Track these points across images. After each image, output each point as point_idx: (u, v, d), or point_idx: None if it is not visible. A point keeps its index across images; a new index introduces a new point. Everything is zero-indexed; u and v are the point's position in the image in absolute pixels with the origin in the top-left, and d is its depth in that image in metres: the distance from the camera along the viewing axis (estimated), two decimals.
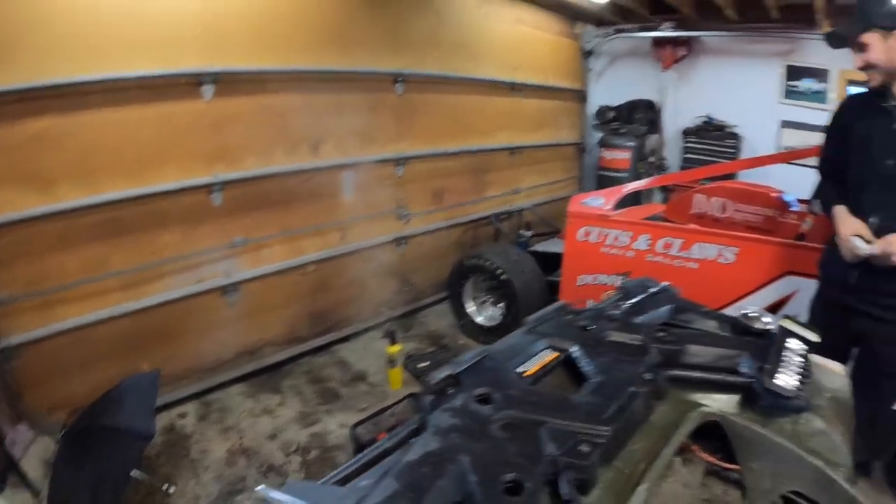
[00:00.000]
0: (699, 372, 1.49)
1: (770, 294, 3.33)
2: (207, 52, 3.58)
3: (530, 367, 1.48)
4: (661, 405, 1.38)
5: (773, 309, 3.24)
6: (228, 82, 3.68)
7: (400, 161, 4.95)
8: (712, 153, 6.89)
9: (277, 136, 4.04)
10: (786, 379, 1.42)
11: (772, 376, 1.41)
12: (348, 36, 4.40)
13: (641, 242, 3.63)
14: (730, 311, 1.84)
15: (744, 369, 1.47)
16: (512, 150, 6.38)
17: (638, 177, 6.47)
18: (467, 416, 1.23)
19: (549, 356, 1.53)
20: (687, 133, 7.20)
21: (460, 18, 5.54)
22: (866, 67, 2.31)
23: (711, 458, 1.35)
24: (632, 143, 6.91)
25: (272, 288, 4.20)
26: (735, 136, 6.87)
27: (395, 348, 3.97)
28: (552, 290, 4.32)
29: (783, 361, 1.50)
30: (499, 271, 4.58)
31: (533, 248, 5.28)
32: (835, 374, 1.64)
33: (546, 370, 1.49)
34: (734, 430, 1.36)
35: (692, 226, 3.78)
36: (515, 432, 1.18)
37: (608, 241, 3.73)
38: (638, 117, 7.25)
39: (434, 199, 5.47)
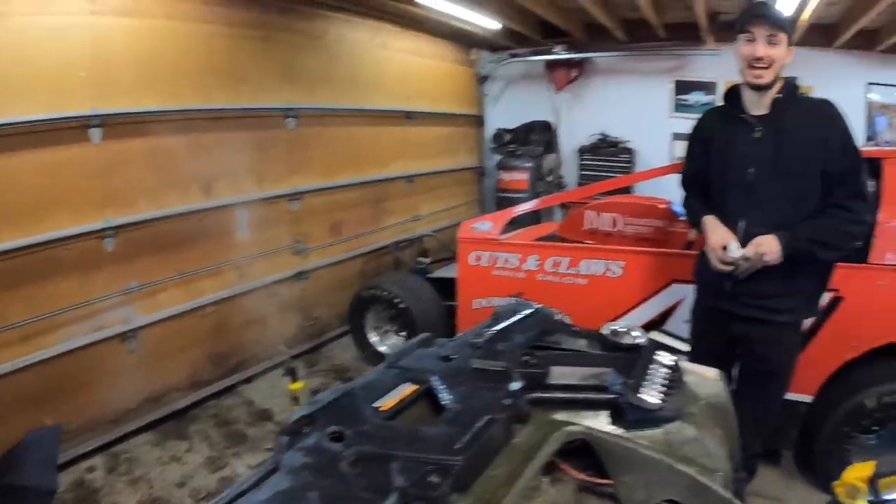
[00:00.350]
0: (564, 392, 1.61)
1: (659, 303, 3.63)
2: (94, 94, 3.75)
3: (387, 402, 1.55)
4: (525, 428, 1.48)
5: (665, 316, 3.60)
6: (116, 124, 3.87)
7: (294, 196, 5.27)
8: (608, 169, 7.68)
9: (168, 177, 4.24)
10: (650, 392, 1.56)
11: (636, 391, 1.54)
12: (238, 73, 4.69)
13: (531, 263, 3.88)
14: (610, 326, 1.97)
15: (610, 386, 1.58)
16: (409, 178, 6.90)
17: (537, 196, 7.06)
18: (319, 454, 1.30)
19: (407, 390, 1.62)
20: (582, 151, 8.01)
21: (353, 50, 5.99)
22: (763, 62, 2.51)
23: (581, 476, 1.47)
24: (529, 164, 7.61)
25: (172, 332, 4.36)
26: (629, 150, 7.73)
27: (298, 385, 4.23)
28: (451, 316, 4.63)
29: (649, 375, 1.65)
30: (396, 300, 4.93)
31: (431, 275, 5.64)
32: (709, 380, 1.82)
33: (404, 404, 1.57)
34: (603, 446, 1.47)
35: (588, 243, 4.15)
36: (366, 467, 1.26)
37: (499, 263, 3.95)
38: (534, 138, 7.96)
39: (332, 231, 5.82)
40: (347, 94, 5.89)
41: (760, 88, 2.57)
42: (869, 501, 1.44)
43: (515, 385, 1.54)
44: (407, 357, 1.81)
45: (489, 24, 6.48)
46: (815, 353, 3.35)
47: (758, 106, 2.65)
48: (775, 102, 2.63)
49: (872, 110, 7.49)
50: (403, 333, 5.13)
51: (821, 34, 7.07)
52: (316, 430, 1.39)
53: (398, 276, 5.57)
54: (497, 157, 8.18)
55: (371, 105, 6.23)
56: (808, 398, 3.43)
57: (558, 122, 8.28)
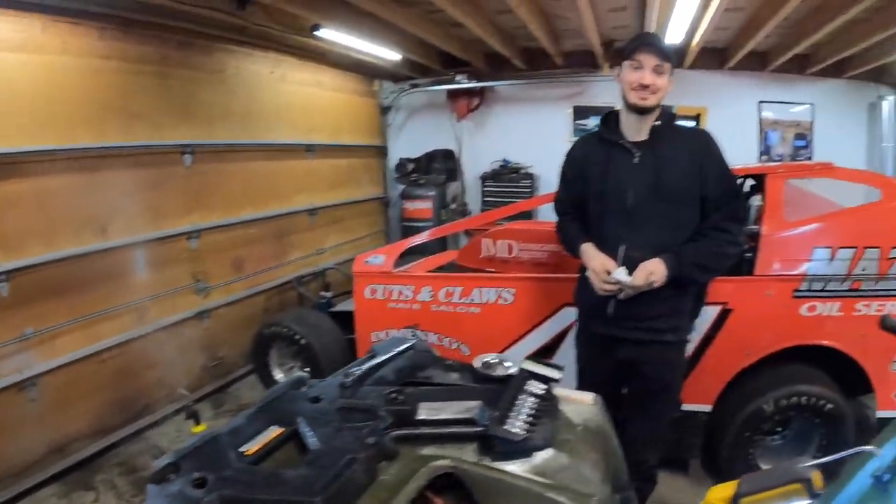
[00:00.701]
0: (431, 427, 1.68)
1: (551, 327, 3.79)
2: None
3: (253, 446, 1.62)
4: (392, 465, 1.54)
5: (559, 339, 3.79)
6: (5, 164, 3.87)
7: (193, 234, 5.34)
8: (510, 194, 8.11)
9: (62, 218, 4.25)
10: (515, 423, 1.64)
11: (501, 422, 1.63)
12: (133, 109, 4.76)
13: (425, 294, 4.02)
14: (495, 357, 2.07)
15: (478, 419, 1.66)
16: (311, 212, 7.12)
17: (441, 224, 7.43)
18: (182, 500, 1.37)
19: (273, 433, 1.69)
20: (485, 178, 8.47)
21: (253, 84, 6.17)
22: (649, 89, 2.67)
23: None
24: (432, 193, 8.01)
25: (74, 378, 4.34)
26: (530, 176, 8.22)
27: (201, 428, 4.25)
28: (353, 349, 4.70)
29: (516, 405, 1.72)
30: (297, 336, 5.01)
31: (333, 309, 5.77)
32: (585, 405, 1.91)
33: (271, 447, 1.65)
34: (471, 479, 1.55)
35: (489, 270, 4.29)
36: None
37: (393, 296, 4.09)
38: (437, 167, 8.38)
39: (234, 268, 5.92)
40: (246, 129, 6.04)
41: (643, 112, 2.73)
42: None
43: (381, 424, 1.63)
44: (277, 399, 1.88)
45: (390, 55, 6.79)
46: (711, 365, 3.64)
47: (637, 132, 2.81)
48: (654, 129, 2.80)
49: (765, 127, 8.31)
50: (307, 369, 5.20)
51: (714, 57, 7.84)
52: (181, 477, 1.45)
53: (299, 312, 5.70)
54: (401, 187, 8.55)
55: (271, 139, 6.40)
56: (707, 407, 3.71)
57: (461, 150, 8.72)
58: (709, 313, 3.57)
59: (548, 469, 1.59)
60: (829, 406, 3.52)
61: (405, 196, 8.33)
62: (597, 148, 2.93)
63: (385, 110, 8.98)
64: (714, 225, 2.78)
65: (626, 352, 2.88)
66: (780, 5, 5.11)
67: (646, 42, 2.72)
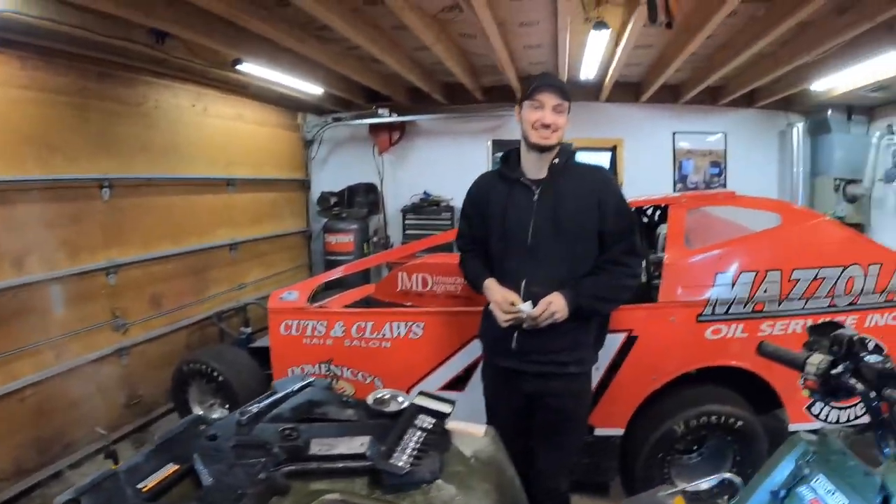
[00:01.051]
0: (322, 462, 1.76)
1: (461, 360, 3.95)
2: None
3: (150, 483, 1.68)
4: (284, 500, 1.62)
5: (470, 371, 3.93)
6: None
7: (111, 269, 5.38)
8: (431, 227, 8.48)
9: None
10: (402, 456, 1.73)
11: (388, 456, 1.72)
12: (51, 141, 4.80)
13: (337, 330, 4.12)
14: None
15: (367, 453, 1.75)
16: (232, 246, 7.26)
17: (363, 256, 7.73)
18: None
19: (170, 470, 1.76)
20: (406, 211, 8.86)
21: (174, 117, 6.31)
22: (550, 128, 2.82)
23: None
24: (354, 226, 8.36)
25: None
26: (451, 208, 8.64)
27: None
28: (270, 385, 4.85)
29: (404, 439, 1.82)
30: (215, 373, 5.06)
31: (252, 345, 5.87)
32: (476, 437, 2.01)
33: (167, 484, 1.71)
34: None
35: (408, 304, 4.46)
36: None
37: (308, 332, 4.17)
38: (359, 200, 8.73)
39: (153, 304, 5.96)
40: (167, 163, 6.17)
41: (544, 150, 2.88)
42: None
43: (273, 460, 1.73)
44: (175, 437, 1.94)
45: (312, 89, 7.12)
46: (620, 390, 3.86)
47: (537, 170, 2.95)
48: (553, 167, 2.94)
49: (680, 156, 9.04)
50: (227, 406, 5.27)
51: (629, 91, 8.53)
52: None
53: (218, 349, 5.82)
54: (324, 221, 8.84)
55: (191, 173, 6.53)
56: (620, 431, 3.92)
57: (382, 184, 9.12)
58: (614, 340, 3.78)
59: (436, 500, 1.69)
60: (740, 423, 3.76)
61: (327, 230, 8.61)
62: (498, 185, 3.07)
63: (308, 143, 9.28)
64: (612, 258, 2.94)
65: (530, 385, 2.97)
66: (686, 42, 5.64)
67: (546, 83, 2.87)
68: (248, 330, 6.43)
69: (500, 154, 8.64)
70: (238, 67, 5.79)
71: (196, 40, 5.03)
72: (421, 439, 1.85)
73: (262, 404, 2.04)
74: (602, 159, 8.75)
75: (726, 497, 2.02)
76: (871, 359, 1.79)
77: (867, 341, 1.85)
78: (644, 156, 8.86)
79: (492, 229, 3.03)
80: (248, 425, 1.91)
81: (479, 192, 3.16)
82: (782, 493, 1.83)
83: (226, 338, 6.72)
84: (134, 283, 5.73)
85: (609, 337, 3.51)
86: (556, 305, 2.78)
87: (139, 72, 5.78)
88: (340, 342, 4.13)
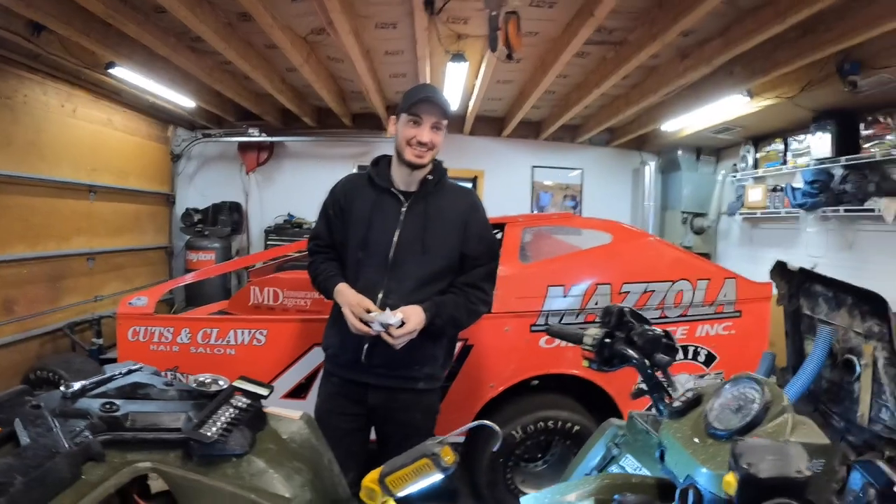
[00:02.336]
0: (138, 433, 1.80)
1: (303, 367, 4.04)
2: None
3: None
4: (98, 466, 1.66)
5: (312, 378, 4.01)
6: None
7: None
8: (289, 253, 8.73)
9: None
10: (211, 428, 1.77)
11: (198, 428, 1.76)
12: None
13: (184, 336, 4.10)
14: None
15: (181, 426, 1.79)
16: (90, 256, 7.21)
17: (224, 276, 7.98)
18: None
19: None
20: (269, 231, 9.13)
21: (41, 115, 6.26)
22: (426, 146, 2.79)
23: None
24: (217, 245, 8.58)
25: None
26: None
27: None
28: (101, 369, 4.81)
29: (216, 414, 1.86)
30: (61, 381, 5.16)
31: (104, 356, 5.95)
32: (293, 421, 2.08)
33: None
34: (171, 480, 1.69)
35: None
36: None
37: (154, 338, 4.12)
38: (223, 219, 8.98)
39: (4, 310, 5.84)
40: (28, 161, 6.08)
41: (417, 167, 2.83)
42: (390, 499, 1.72)
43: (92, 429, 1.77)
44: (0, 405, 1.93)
45: (184, 102, 7.35)
46: (458, 398, 4.00)
47: (407, 183, 2.90)
48: (424, 182, 2.91)
49: (538, 189, 9.83)
50: None
51: (491, 125, 9.28)
52: None
53: (67, 357, 5.88)
54: (186, 237, 9.02)
55: (53, 175, 6.43)
56: (459, 439, 3.87)
57: (248, 203, 9.44)
58: None
59: (244, 473, 1.78)
60: (577, 428, 4.00)
61: (190, 247, 8.78)
62: (365, 191, 3.00)
63: (176, 158, 9.39)
64: (470, 282, 2.93)
65: (376, 398, 2.94)
66: (540, 79, 6.30)
67: (427, 97, 2.80)
68: (100, 341, 6.46)
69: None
70: (111, 71, 5.92)
71: (72, 37, 5.12)
72: (233, 415, 1.89)
73: (87, 382, 2.05)
74: None
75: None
76: (641, 328, 1.97)
77: (635, 312, 2.04)
78: (504, 187, 9.55)
79: (352, 236, 2.96)
80: (72, 399, 1.94)
81: (345, 193, 3.07)
82: (595, 474, 1.98)
83: (77, 350, 6.65)
84: None
85: None
86: (412, 317, 2.72)
87: (11, 63, 5.76)
88: (187, 349, 4.12)
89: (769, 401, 1.48)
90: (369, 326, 2.69)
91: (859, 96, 5.69)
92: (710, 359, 4.32)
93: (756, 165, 8.45)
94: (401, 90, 7.53)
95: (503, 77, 6.81)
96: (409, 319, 2.70)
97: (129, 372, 2.21)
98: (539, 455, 4.46)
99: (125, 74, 6.14)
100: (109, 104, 7.49)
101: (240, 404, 1.96)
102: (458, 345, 3.75)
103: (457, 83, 6.44)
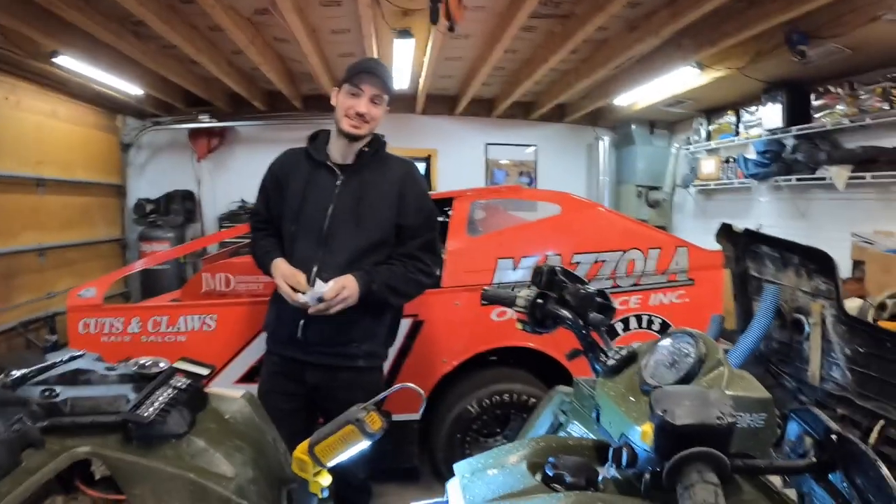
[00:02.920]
0: (76, 418, 1.79)
1: (254, 351, 3.93)
2: None
3: None
4: (37, 453, 1.67)
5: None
6: None
7: None
8: (248, 235, 8.68)
9: None
10: (148, 409, 1.75)
11: (136, 409, 1.74)
12: None
13: (134, 326, 4.02)
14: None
15: (119, 409, 1.78)
16: (41, 252, 7.10)
17: (180, 267, 7.94)
18: None
19: None
20: (223, 219, 9.07)
21: None
22: (364, 118, 2.77)
23: (93, 493, 1.71)
24: (170, 234, 8.50)
25: None
26: None
27: None
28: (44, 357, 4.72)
29: (154, 395, 1.84)
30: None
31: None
32: (234, 400, 2.09)
33: None
34: (111, 464, 1.69)
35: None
36: None
37: (105, 329, 4.04)
38: (175, 208, 8.91)
39: None
40: None
41: (353, 139, 2.83)
42: (322, 469, 1.72)
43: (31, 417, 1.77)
44: None
45: (131, 89, 7.26)
46: (410, 375, 3.89)
47: (344, 155, 2.91)
48: (361, 154, 2.90)
49: (492, 167, 9.90)
50: None
51: (443, 103, 9.29)
52: None
53: (20, 354, 5.93)
54: (140, 229, 8.93)
55: None
56: (415, 416, 3.93)
57: (200, 191, 9.34)
58: (401, 326, 3.81)
59: (184, 453, 1.77)
60: (533, 400, 3.91)
61: (143, 238, 8.69)
62: (301, 164, 3.00)
63: (126, 147, 9.26)
64: (408, 252, 2.91)
65: (315, 376, 2.92)
66: (488, 54, 6.31)
67: (369, 70, 2.81)
68: (54, 338, 6.42)
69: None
70: (55, 60, 5.86)
71: (13, 27, 5.06)
72: (172, 396, 1.87)
73: (28, 370, 2.02)
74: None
75: None
76: (574, 287, 1.92)
77: (567, 271, 1.99)
78: (457, 166, 9.60)
79: (287, 210, 2.97)
80: (12, 387, 1.91)
81: (282, 168, 3.08)
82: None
83: (32, 348, 6.61)
84: None
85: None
86: (347, 286, 2.70)
87: None
88: (138, 338, 4.03)
89: (703, 354, 1.42)
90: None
91: (809, 67, 5.77)
92: (665, 327, 4.30)
93: (709, 138, 8.56)
94: None
95: (452, 54, 6.80)
96: (343, 289, 2.69)
97: (72, 359, 2.17)
98: (497, 430, 4.42)
99: (69, 63, 6.07)
100: (55, 95, 7.37)
101: (179, 385, 1.94)
102: (409, 321, 3.88)
103: (405, 61, 6.46)
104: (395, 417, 3.61)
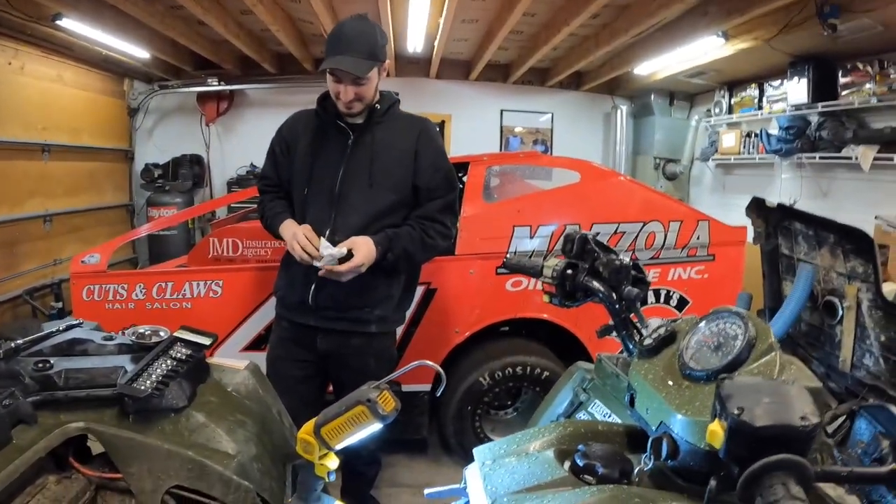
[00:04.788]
0: (70, 391, 1.75)
1: (262, 318, 3.93)
2: None
3: None
4: (30, 429, 1.62)
5: (270, 330, 3.62)
6: None
7: None
8: (255, 200, 8.64)
9: None
10: (146, 382, 1.70)
11: (132, 382, 1.69)
12: None
13: (138, 292, 4.00)
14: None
15: (115, 382, 1.73)
16: (47, 218, 7.12)
17: (188, 232, 7.91)
18: None
19: None
20: (232, 183, 8.98)
21: None
22: (355, 101, 2.69)
23: (88, 472, 1.67)
24: (178, 200, 8.46)
25: None
26: None
27: None
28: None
29: (152, 366, 1.79)
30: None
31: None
32: (237, 371, 2.03)
33: None
34: (106, 440, 1.65)
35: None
36: None
37: (109, 296, 4.02)
38: (183, 172, 8.83)
39: None
40: None
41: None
42: (329, 452, 1.67)
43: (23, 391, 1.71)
44: None
45: (138, 53, 7.16)
46: (422, 344, 3.96)
47: (354, 115, 2.81)
48: (372, 112, 2.82)
49: (507, 133, 9.78)
50: None
51: (458, 68, 9.20)
52: None
53: (24, 324, 5.87)
54: (148, 194, 8.90)
55: (2, 136, 6.33)
56: (426, 387, 4.01)
57: (209, 155, 9.28)
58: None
59: (183, 429, 1.73)
60: (546, 374, 3.98)
61: (151, 203, 8.67)
62: (311, 125, 2.93)
63: (133, 112, 9.18)
64: (427, 215, 2.84)
65: (327, 343, 2.89)
66: (507, 17, 6.13)
67: (338, 53, 2.64)
68: (59, 305, 6.42)
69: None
70: (59, 23, 5.77)
71: None
72: (171, 367, 1.83)
73: (21, 341, 1.96)
74: None
75: None
76: (607, 258, 1.82)
77: (599, 241, 1.88)
78: (471, 132, 9.48)
79: (297, 172, 2.91)
80: (4, 359, 1.85)
81: (290, 130, 3.01)
82: (563, 420, 1.88)
83: (39, 316, 6.61)
84: None
85: None
86: (361, 248, 2.64)
87: None
88: (142, 305, 4.01)
89: (754, 336, 1.26)
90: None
91: (838, 42, 5.60)
92: (682, 303, 4.28)
93: (731, 111, 8.36)
94: None
95: (468, 16, 6.68)
96: (357, 251, 2.62)
97: (69, 328, 2.13)
98: (509, 402, 4.44)
99: (73, 26, 5.96)
100: (60, 59, 7.28)
101: (179, 355, 1.89)
102: (421, 288, 3.85)
103: (420, 22, 6.33)
104: (405, 388, 3.93)
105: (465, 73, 9.26)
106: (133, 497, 1.66)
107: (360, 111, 2.78)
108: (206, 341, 1.99)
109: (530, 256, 3.94)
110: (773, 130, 7.21)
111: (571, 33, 6.72)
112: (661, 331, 1.44)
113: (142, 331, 2.02)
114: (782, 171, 7.39)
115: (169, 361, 1.85)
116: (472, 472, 1.42)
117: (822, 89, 6.40)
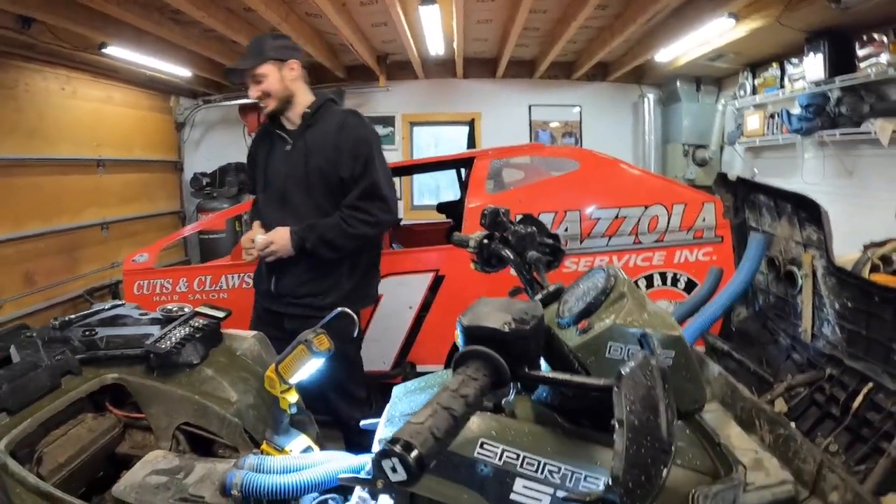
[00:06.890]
0: (108, 350, 2.16)
1: None
2: None
3: None
4: (75, 379, 2.05)
5: None
6: None
7: None
8: None
9: None
10: (167, 343, 2.08)
11: (156, 343, 2.08)
12: None
13: (182, 286, 4.46)
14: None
15: (145, 343, 2.12)
16: (104, 226, 7.77)
17: (236, 234, 8.40)
18: None
19: None
20: None
21: (42, 100, 6.72)
22: (263, 97, 3.05)
23: (119, 413, 2.11)
24: (226, 205, 8.91)
25: None
26: None
27: None
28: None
29: (174, 332, 2.18)
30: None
31: None
32: (245, 338, 2.37)
33: None
34: (134, 388, 2.07)
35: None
36: None
37: (157, 290, 4.47)
38: (229, 180, 9.36)
39: (26, 281, 6.39)
40: (35, 144, 6.56)
41: (280, 111, 3.14)
42: (290, 388, 2.05)
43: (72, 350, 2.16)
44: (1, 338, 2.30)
45: (181, 72, 7.72)
46: (434, 327, 4.28)
47: (291, 121, 3.18)
48: (304, 117, 3.13)
49: (536, 128, 10.00)
50: None
51: (484, 67, 9.48)
52: None
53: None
54: (197, 201, 9.47)
55: (60, 154, 6.93)
56: (440, 367, 4.14)
57: None
58: (423, 281, 4.27)
59: (195, 380, 2.09)
60: None
61: (200, 209, 9.20)
62: (265, 138, 3.31)
63: (181, 126, 9.83)
64: (348, 203, 3.09)
65: (293, 324, 3.11)
66: (515, 15, 6.39)
67: (228, 79, 3.31)
68: (115, 303, 6.86)
69: None
70: (105, 51, 6.28)
71: (61, 25, 5.47)
72: (188, 332, 2.18)
73: (74, 316, 2.39)
74: (461, 132, 9.13)
75: None
76: (514, 228, 2.09)
77: (510, 213, 2.17)
78: (501, 128, 9.66)
79: (257, 181, 3.33)
80: (60, 328, 2.27)
81: (255, 144, 3.40)
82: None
83: None
84: (5, 261, 6.22)
85: (417, 277, 4.07)
86: (277, 241, 3.03)
87: (9, 56, 6.19)
88: (185, 297, 4.44)
89: (610, 287, 1.41)
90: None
91: (850, 14, 5.41)
92: (690, 285, 4.35)
93: (755, 92, 8.16)
94: (386, 39, 7.83)
95: (480, 17, 6.95)
96: (273, 239, 3.01)
97: (114, 307, 2.58)
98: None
99: (118, 52, 6.48)
100: (108, 82, 7.91)
101: (197, 324, 2.28)
102: (430, 275, 4.24)
103: (434, 27, 6.59)
104: (421, 368, 4.37)
105: (492, 71, 9.50)
106: (152, 433, 2.08)
107: (274, 109, 3.11)
108: (221, 315, 2.36)
109: None
110: (795, 109, 6.98)
111: (583, 25, 6.88)
112: (551, 288, 1.67)
113: (170, 307, 2.43)
114: (804, 151, 7.18)
115: (188, 329, 2.22)
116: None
117: (840, 64, 6.15)
